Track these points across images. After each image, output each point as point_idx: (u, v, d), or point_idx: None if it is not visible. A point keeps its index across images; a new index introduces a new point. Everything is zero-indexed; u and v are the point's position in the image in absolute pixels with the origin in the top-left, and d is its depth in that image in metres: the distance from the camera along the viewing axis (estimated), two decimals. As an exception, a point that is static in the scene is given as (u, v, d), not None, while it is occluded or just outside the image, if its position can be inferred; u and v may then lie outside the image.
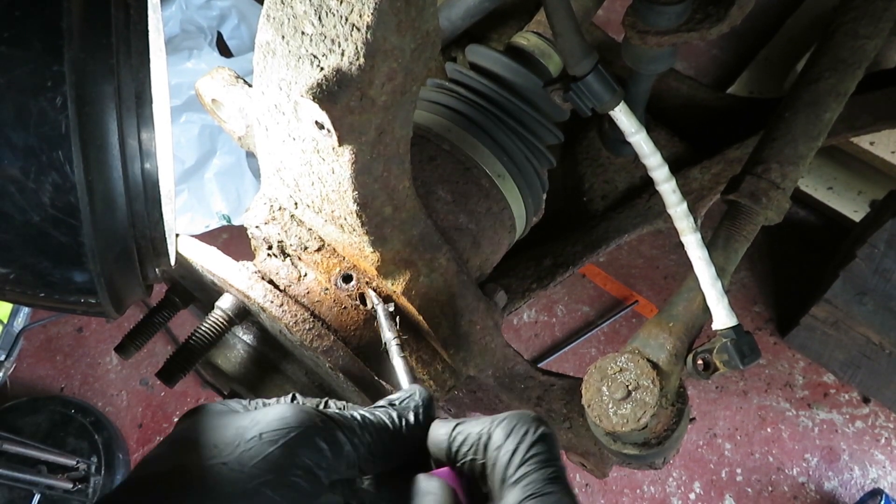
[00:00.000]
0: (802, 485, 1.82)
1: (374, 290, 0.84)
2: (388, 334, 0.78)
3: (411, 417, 0.53)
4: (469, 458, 0.50)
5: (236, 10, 2.16)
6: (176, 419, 1.39)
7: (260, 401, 0.53)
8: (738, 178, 0.98)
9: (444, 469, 0.51)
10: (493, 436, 0.50)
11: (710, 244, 0.93)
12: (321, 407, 0.54)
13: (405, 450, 0.53)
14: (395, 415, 0.53)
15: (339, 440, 0.49)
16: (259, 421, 0.49)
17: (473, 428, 0.51)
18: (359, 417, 0.51)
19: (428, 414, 0.54)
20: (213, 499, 0.44)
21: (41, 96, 0.50)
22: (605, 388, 0.85)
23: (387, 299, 0.84)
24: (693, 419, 1.90)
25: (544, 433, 0.49)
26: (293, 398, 0.54)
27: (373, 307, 0.82)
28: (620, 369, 0.86)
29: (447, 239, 0.89)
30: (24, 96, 0.50)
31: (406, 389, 0.57)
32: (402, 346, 0.75)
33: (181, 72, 1.96)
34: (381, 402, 0.55)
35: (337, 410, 0.52)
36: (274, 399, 0.54)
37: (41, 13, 0.50)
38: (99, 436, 1.87)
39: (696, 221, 0.90)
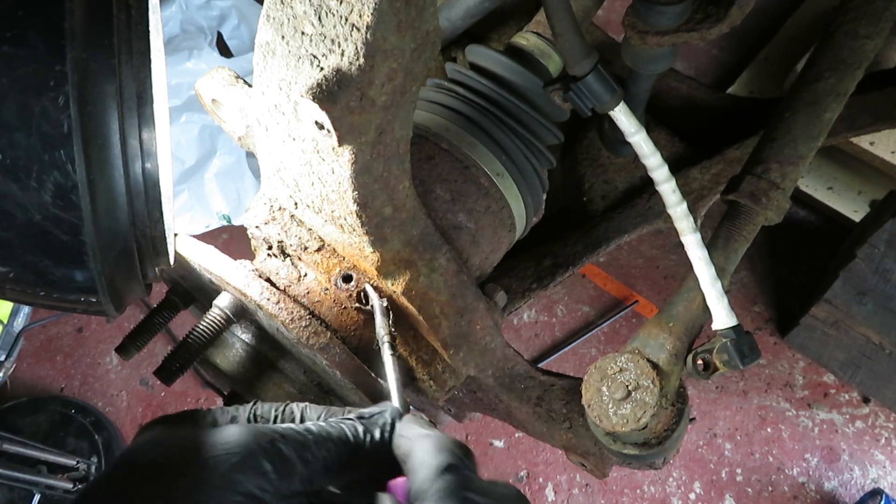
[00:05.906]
0: (802, 485, 1.83)
1: (374, 288, 0.84)
2: (381, 331, 0.78)
3: (377, 434, 0.53)
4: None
5: (236, 10, 2.16)
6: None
7: (226, 412, 0.54)
8: (738, 178, 0.98)
9: (402, 479, 0.51)
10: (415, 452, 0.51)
11: (710, 244, 0.93)
12: (280, 417, 0.55)
13: (368, 463, 0.53)
14: (360, 429, 0.53)
15: (287, 459, 0.49)
16: (210, 444, 0.49)
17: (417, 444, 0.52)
18: (315, 431, 0.51)
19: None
20: None
21: (44, 96, 0.50)
22: (605, 388, 0.85)
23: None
24: (693, 419, 1.90)
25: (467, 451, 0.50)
26: (251, 418, 0.55)
27: (371, 304, 0.82)
28: (620, 369, 0.86)
29: (446, 238, 0.89)
30: (27, 95, 0.50)
31: (379, 405, 0.57)
32: (393, 346, 0.75)
33: (181, 72, 1.96)
34: (350, 415, 0.55)
35: (291, 426, 0.52)
36: (231, 415, 0.55)
37: (44, 13, 0.50)
38: (99, 436, 1.88)
39: (696, 221, 0.90)
